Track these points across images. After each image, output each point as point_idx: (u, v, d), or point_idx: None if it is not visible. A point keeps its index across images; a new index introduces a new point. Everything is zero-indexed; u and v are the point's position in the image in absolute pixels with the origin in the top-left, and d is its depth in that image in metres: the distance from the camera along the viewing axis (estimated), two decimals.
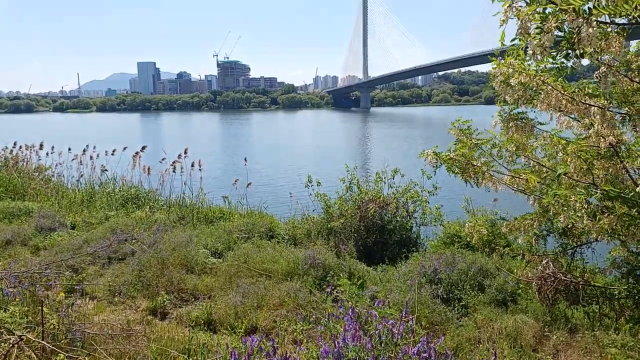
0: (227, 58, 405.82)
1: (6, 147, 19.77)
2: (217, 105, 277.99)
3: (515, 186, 5.22)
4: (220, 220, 12.02)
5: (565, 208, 3.61)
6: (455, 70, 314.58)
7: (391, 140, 76.91)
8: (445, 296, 7.46)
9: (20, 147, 19.61)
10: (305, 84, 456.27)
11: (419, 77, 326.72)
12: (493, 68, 4.15)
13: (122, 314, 7.07)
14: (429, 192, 10.44)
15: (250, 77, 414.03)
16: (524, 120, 4.61)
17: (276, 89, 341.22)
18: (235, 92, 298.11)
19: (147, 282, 7.96)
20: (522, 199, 5.81)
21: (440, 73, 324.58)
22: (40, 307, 3.77)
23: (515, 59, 3.96)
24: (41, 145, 18.95)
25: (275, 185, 28.52)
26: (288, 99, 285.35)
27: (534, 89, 3.91)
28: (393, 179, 10.69)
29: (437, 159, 5.31)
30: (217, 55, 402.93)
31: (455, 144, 5.42)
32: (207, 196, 14.43)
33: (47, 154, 19.09)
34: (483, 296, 7.17)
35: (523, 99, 4.18)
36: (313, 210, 10.87)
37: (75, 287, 7.20)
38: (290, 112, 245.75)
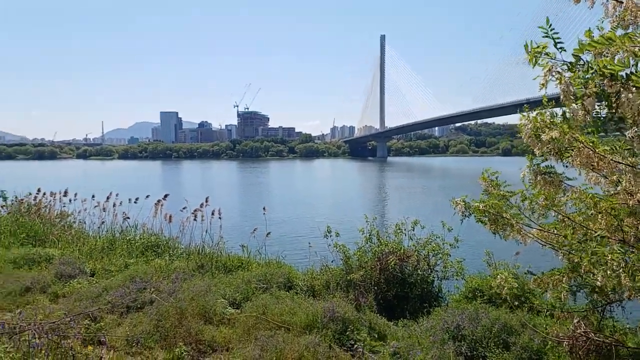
0: (247, 108, 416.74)
1: (29, 194, 20.15)
2: (236, 154, 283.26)
3: (544, 240, 5.13)
4: (239, 270, 11.94)
5: (603, 267, 3.53)
6: (472, 122, 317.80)
7: (409, 190, 76.75)
8: (469, 354, 7.21)
9: (44, 193, 19.97)
10: (323, 134, 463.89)
11: (436, 128, 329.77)
12: (521, 122, 4.19)
13: None
14: (450, 245, 10.28)
15: (269, 126, 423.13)
16: (552, 175, 4.60)
17: (294, 138, 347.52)
18: (254, 141, 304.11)
19: (165, 332, 7.85)
20: (542, 253, 5.70)
21: (458, 124, 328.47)
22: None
23: (547, 115, 4.01)
24: (65, 193, 19.28)
25: (293, 234, 28.41)
26: (305, 148, 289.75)
27: (566, 145, 3.93)
28: (413, 230, 10.58)
29: (466, 208, 5.25)
30: (237, 106, 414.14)
31: (483, 194, 5.38)
32: (225, 245, 14.41)
33: (70, 200, 19.38)
34: (508, 354, 6.91)
35: (552, 152, 4.19)
36: (332, 261, 10.73)
37: (100, 339, 7.13)
38: (307, 161, 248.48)
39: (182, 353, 7.30)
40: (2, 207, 19.39)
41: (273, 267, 11.60)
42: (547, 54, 3.59)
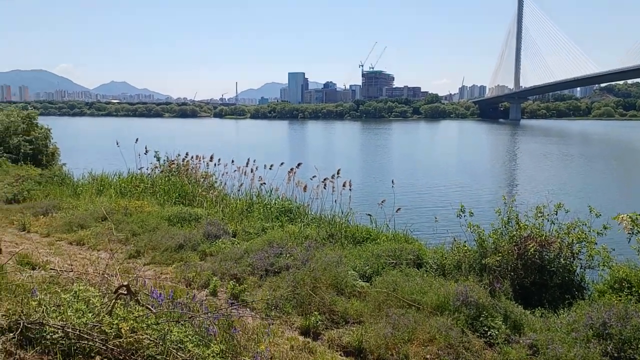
0: (372, 68, 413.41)
1: (179, 155, 22.05)
2: (359, 115, 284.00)
3: None
4: (367, 242, 12.09)
5: None
6: (621, 82, 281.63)
7: (548, 157, 71.14)
8: (615, 355, 6.73)
9: (192, 157, 21.79)
10: (450, 94, 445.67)
11: (578, 88, 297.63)
12: None
13: (280, 329, 7.56)
14: (597, 233, 9.35)
15: (394, 86, 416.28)
16: None
17: (419, 98, 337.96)
18: (378, 102, 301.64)
19: (300, 299, 8.33)
20: None
21: (603, 85, 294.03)
22: (232, 344, 4.18)
23: None
24: (211, 158, 20.77)
25: (419, 205, 27.88)
26: (431, 108, 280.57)
27: None
28: (556, 214, 9.79)
29: (634, 226, 4.73)
30: (362, 66, 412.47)
31: None
32: (354, 215, 14.63)
33: (214, 164, 20.81)
34: None
35: None
36: (465, 241, 10.38)
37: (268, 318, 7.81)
38: (432, 122, 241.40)
39: (317, 322, 7.74)
40: (156, 167, 21.51)
41: (401, 242, 11.60)
42: None
